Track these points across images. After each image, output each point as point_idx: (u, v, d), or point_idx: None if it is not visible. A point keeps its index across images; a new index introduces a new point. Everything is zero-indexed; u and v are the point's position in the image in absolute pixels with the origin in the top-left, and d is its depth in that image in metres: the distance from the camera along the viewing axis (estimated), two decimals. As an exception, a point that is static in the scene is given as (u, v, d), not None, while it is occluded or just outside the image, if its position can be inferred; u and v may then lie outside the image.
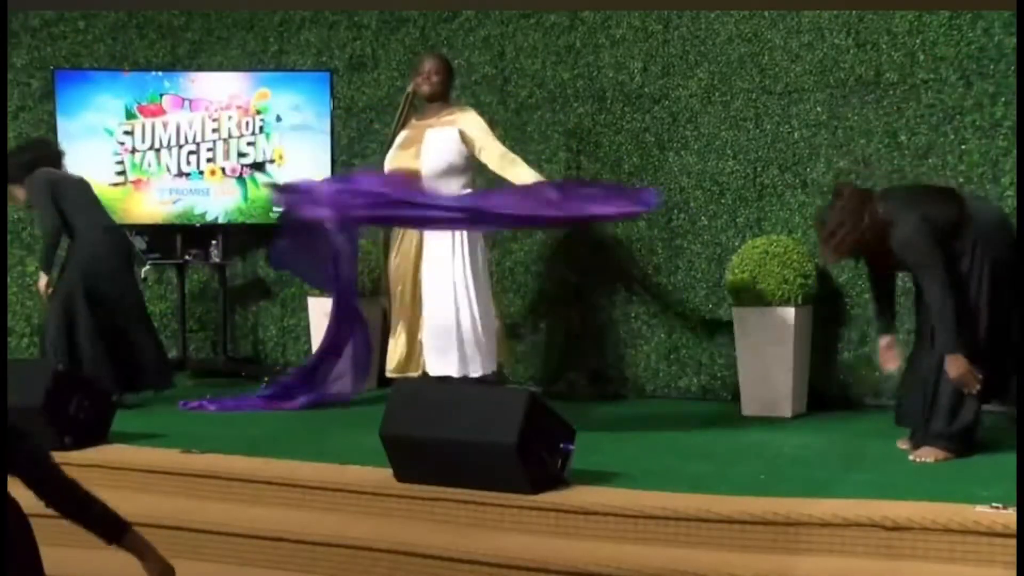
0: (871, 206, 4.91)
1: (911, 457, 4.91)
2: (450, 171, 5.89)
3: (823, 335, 6.33)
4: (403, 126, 6.05)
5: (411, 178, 5.80)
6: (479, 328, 5.82)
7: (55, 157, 6.68)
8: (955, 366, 4.79)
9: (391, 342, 6.09)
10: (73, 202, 6.49)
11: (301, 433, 5.81)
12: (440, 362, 5.80)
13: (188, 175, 7.49)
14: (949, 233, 4.88)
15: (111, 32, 8.04)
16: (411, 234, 5.95)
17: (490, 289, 6.04)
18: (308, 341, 7.35)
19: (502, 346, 6.12)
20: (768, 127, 6.57)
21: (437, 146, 5.88)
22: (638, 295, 6.92)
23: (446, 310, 5.80)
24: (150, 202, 7.48)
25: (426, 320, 5.86)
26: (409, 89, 6.13)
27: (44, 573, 2.99)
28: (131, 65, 7.90)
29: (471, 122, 5.94)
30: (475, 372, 5.81)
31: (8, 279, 7.77)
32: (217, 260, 7.54)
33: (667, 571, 3.81)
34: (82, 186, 6.64)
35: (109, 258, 6.51)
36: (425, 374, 5.88)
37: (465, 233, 5.84)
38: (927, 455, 4.87)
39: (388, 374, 6.06)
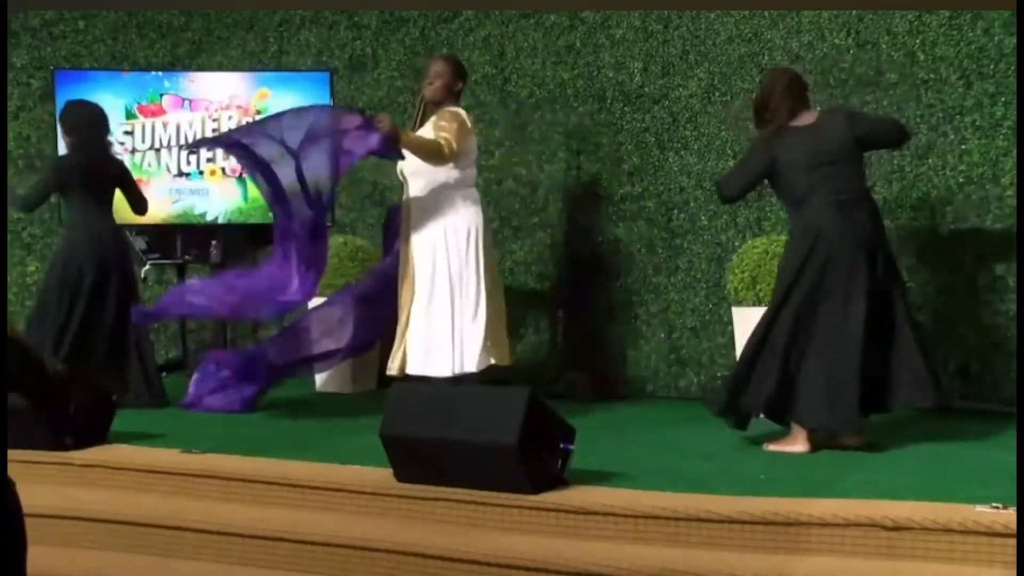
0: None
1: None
2: (422, 172, 5.75)
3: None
4: (420, 127, 5.91)
5: None
6: (465, 325, 5.69)
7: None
8: None
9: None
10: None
11: (301, 433, 5.82)
12: (425, 362, 5.71)
13: (188, 175, 7.49)
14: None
15: (111, 32, 8.04)
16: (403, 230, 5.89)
17: (482, 284, 5.79)
18: (308, 341, 7.35)
19: (502, 346, 5.97)
20: (768, 127, 6.56)
21: None
22: (638, 295, 6.91)
23: (435, 309, 5.73)
24: (150, 202, 7.45)
25: (413, 319, 5.76)
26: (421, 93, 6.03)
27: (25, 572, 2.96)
28: (131, 65, 7.90)
29: (432, 124, 5.73)
30: (469, 368, 5.67)
31: (8, 279, 7.77)
32: (217, 260, 7.53)
33: (667, 571, 3.81)
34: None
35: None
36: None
37: (449, 228, 5.76)
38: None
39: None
